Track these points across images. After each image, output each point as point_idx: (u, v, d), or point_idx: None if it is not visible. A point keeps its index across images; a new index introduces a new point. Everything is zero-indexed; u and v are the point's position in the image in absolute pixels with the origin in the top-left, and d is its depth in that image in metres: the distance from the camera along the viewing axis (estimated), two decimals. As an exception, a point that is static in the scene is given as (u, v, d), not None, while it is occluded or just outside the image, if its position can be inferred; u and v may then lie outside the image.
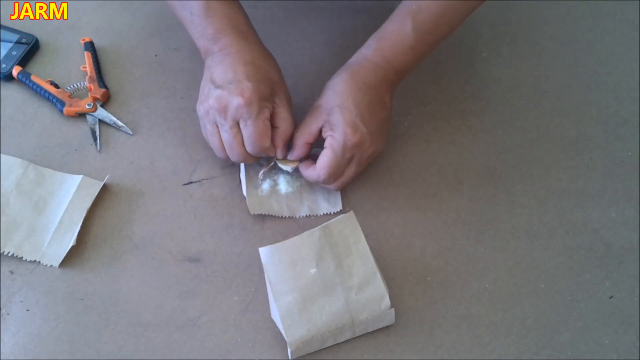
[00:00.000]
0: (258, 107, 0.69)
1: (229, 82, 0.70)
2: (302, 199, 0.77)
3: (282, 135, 0.73)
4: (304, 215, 0.76)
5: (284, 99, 0.73)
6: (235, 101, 0.69)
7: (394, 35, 0.73)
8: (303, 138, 0.73)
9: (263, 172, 0.77)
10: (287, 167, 0.75)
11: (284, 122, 0.72)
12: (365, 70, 0.72)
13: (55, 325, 0.69)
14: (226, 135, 0.71)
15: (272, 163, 0.76)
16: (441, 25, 0.73)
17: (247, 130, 0.70)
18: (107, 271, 0.72)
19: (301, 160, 0.75)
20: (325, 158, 0.71)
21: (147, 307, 0.70)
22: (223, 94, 0.69)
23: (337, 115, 0.70)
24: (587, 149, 0.83)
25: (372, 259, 0.66)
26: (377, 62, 0.73)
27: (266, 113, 0.70)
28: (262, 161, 0.78)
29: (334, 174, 0.72)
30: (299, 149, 0.74)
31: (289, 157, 0.75)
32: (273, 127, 0.72)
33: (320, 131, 0.72)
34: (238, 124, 0.70)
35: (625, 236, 0.76)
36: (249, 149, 0.72)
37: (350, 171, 0.74)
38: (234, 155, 0.73)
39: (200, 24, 0.74)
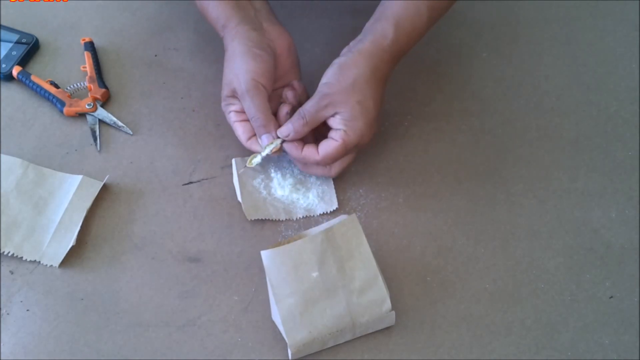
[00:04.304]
0: (224, 110, 0.76)
1: None
2: (297, 201, 0.77)
3: (243, 129, 0.75)
4: (301, 217, 0.76)
5: (240, 96, 0.73)
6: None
7: (410, 24, 0.72)
8: (310, 124, 0.72)
9: (262, 178, 0.78)
10: (267, 151, 0.74)
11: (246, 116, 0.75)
12: (384, 64, 0.72)
13: (55, 325, 0.69)
14: None
15: (256, 157, 0.75)
16: (449, 6, 0.74)
17: None
18: (107, 271, 0.72)
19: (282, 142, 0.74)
20: (332, 150, 0.71)
21: (147, 307, 0.70)
22: None
23: (356, 114, 0.70)
24: (587, 149, 0.83)
25: (374, 262, 0.66)
26: (394, 53, 0.72)
27: (232, 117, 0.76)
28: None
29: (333, 162, 0.73)
30: (298, 134, 0.72)
31: (282, 134, 0.72)
32: None
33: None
34: None
35: (625, 236, 0.76)
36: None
37: (348, 160, 0.74)
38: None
39: (209, 19, 0.78)
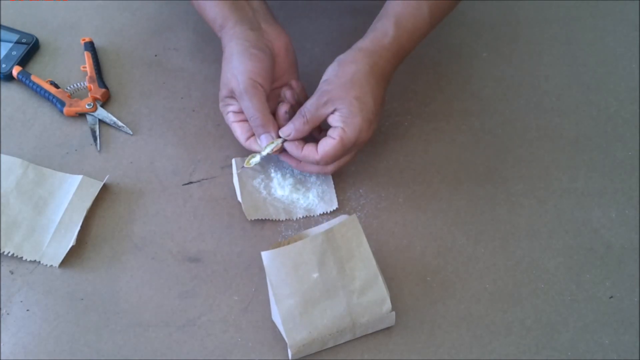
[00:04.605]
0: (222, 112, 0.76)
1: None
2: (297, 201, 0.77)
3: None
4: (301, 217, 0.76)
5: (237, 96, 0.72)
6: None
7: (411, 22, 0.72)
8: (311, 122, 0.71)
9: (262, 178, 0.78)
10: (267, 150, 0.73)
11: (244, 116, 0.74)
12: (384, 61, 0.72)
13: (55, 325, 0.69)
14: None
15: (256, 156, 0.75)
16: (452, 7, 0.73)
17: None
18: (107, 271, 0.72)
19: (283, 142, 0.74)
20: (330, 148, 0.70)
21: (147, 307, 0.70)
22: None
23: (354, 110, 0.69)
24: (587, 149, 0.83)
25: (374, 262, 0.66)
26: (395, 51, 0.72)
27: (230, 117, 0.75)
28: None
29: (332, 161, 0.72)
30: (300, 133, 0.72)
31: (283, 134, 0.72)
32: None
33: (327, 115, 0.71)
34: None
35: (625, 236, 0.76)
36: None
37: (346, 159, 0.74)
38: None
39: (206, 19, 0.77)
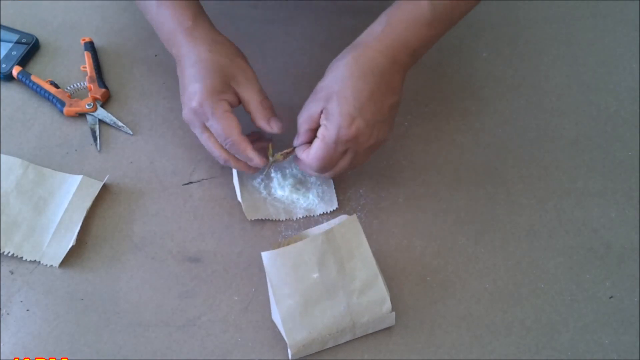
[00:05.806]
0: (211, 103, 0.69)
1: (183, 93, 0.72)
2: (297, 201, 0.77)
3: (256, 115, 0.72)
4: (301, 217, 0.76)
5: (242, 80, 0.71)
6: (192, 106, 0.70)
7: (408, 10, 0.68)
8: (305, 124, 0.70)
9: (262, 178, 0.78)
10: (282, 159, 0.74)
11: (249, 103, 0.71)
12: (373, 52, 0.67)
13: (55, 325, 0.69)
14: (203, 141, 0.73)
15: (270, 165, 0.75)
16: (471, 5, 0.70)
17: (213, 129, 0.70)
18: (107, 271, 0.72)
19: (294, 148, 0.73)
20: (315, 150, 0.68)
21: (147, 307, 0.70)
22: (184, 104, 0.72)
23: (334, 104, 0.66)
24: (587, 149, 0.83)
25: (374, 262, 0.66)
26: (388, 42, 0.68)
27: (224, 106, 0.70)
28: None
29: (324, 167, 0.69)
30: (302, 136, 0.70)
31: (294, 143, 0.72)
32: (247, 111, 0.72)
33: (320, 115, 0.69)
34: (206, 126, 0.71)
35: (625, 236, 0.76)
36: (225, 146, 0.71)
37: (344, 162, 0.70)
38: (218, 158, 0.73)
39: (155, 26, 0.76)
